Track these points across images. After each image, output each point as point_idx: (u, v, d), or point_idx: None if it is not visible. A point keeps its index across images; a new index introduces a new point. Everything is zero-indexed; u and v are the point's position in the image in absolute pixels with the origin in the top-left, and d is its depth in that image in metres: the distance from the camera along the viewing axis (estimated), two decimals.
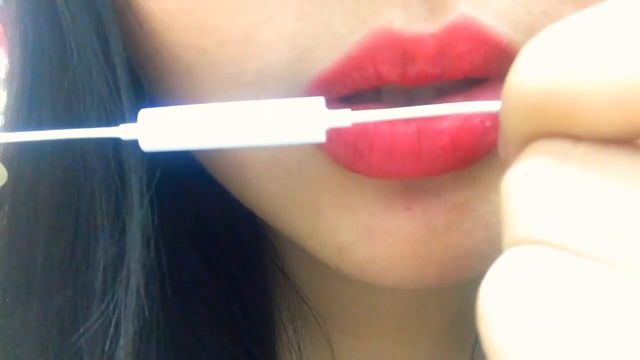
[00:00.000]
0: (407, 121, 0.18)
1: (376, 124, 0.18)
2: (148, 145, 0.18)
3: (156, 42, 0.20)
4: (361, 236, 0.19)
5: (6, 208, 0.25)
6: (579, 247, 0.11)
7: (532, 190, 0.12)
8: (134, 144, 0.18)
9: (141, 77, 0.22)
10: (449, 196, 0.19)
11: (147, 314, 0.22)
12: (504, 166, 0.14)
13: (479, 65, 0.17)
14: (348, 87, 0.18)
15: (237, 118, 0.17)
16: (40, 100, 0.23)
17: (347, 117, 0.17)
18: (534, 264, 0.12)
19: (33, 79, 0.22)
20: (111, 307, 0.22)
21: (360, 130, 0.18)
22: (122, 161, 0.22)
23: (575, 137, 0.12)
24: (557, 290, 0.11)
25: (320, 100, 0.17)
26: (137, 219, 0.22)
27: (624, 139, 0.12)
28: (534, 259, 0.12)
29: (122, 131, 0.18)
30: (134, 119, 0.20)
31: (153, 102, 0.22)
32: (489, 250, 0.19)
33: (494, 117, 0.17)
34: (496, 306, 0.12)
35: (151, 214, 0.22)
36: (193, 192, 0.26)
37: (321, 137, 0.17)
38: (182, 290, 0.25)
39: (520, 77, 0.12)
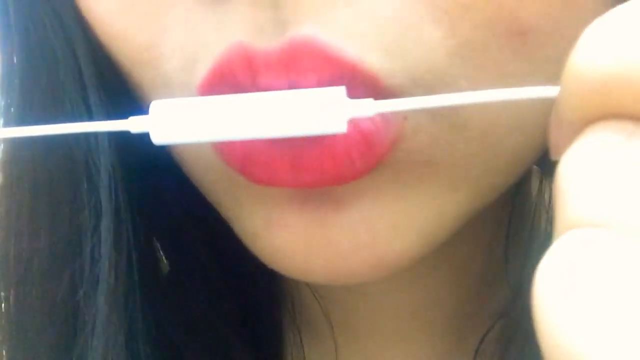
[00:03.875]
0: (284, 148, 0.18)
1: (256, 145, 0.19)
2: (160, 138, 0.17)
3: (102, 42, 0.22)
4: (266, 229, 0.20)
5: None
6: None
7: (593, 169, 0.12)
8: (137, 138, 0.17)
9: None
10: (334, 193, 0.20)
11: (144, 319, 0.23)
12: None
13: (328, 82, 0.17)
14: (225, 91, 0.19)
15: (253, 109, 0.17)
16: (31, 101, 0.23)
17: (370, 107, 0.17)
18: (595, 249, 0.11)
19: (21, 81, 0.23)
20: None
21: (246, 150, 0.19)
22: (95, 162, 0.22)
23: (637, 119, 0.12)
24: (620, 277, 0.11)
25: (342, 90, 0.17)
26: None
27: None
28: (594, 242, 0.11)
29: (132, 124, 0.17)
30: (103, 118, 0.21)
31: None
32: (375, 250, 0.20)
33: (362, 149, 0.18)
34: (555, 295, 0.11)
35: (162, 215, 0.22)
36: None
37: (342, 128, 0.17)
38: (191, 298, 0.25)
39: (584, 60, 0.12)
